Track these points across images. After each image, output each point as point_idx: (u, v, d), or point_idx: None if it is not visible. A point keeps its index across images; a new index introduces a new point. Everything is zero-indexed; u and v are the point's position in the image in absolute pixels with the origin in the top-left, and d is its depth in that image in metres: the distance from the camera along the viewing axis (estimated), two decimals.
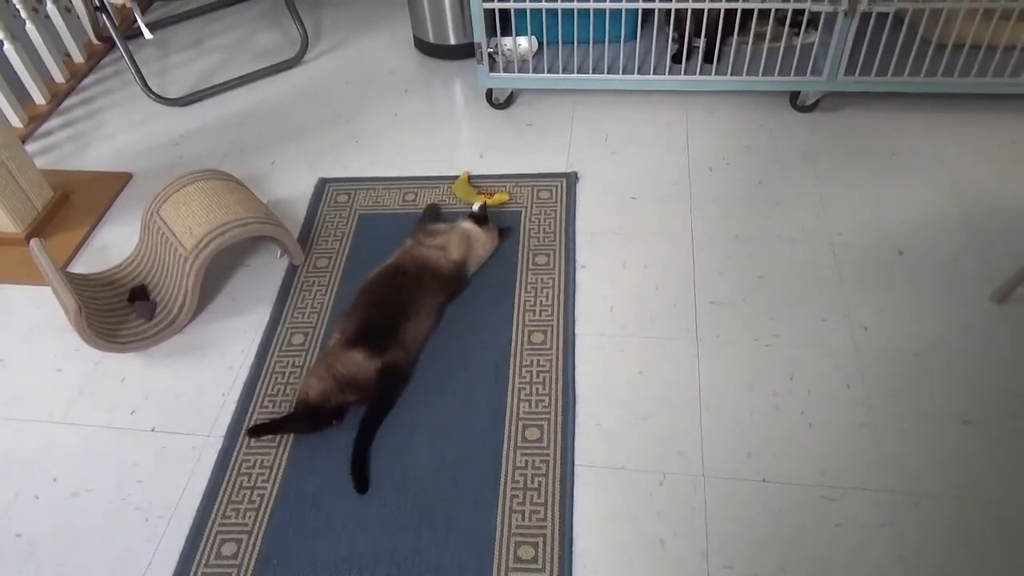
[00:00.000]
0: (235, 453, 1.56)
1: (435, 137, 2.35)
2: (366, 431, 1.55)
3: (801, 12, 2.14)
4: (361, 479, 1.49)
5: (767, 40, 2.24)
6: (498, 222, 1.96)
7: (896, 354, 1.65)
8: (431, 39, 2.64)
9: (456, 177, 2.14)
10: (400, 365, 1.63)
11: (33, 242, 1.77)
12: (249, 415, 1.62)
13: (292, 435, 1.58)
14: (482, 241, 1.87)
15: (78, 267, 2.01)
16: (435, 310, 1.75)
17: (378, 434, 1.57)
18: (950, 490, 1.42)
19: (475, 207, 1.94)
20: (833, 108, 2.29)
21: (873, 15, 2.04)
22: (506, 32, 2.29)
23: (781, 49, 2.20)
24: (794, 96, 2.29)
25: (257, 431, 1.58)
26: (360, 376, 1.57)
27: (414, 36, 2.72)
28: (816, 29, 2.26)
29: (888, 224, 1.93)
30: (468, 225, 1.87)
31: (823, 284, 1.80)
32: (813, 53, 2.21)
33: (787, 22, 2.16)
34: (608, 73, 2.27)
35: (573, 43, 2.26)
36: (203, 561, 1.40)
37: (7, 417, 1.68)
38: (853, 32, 2.05)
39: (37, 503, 1.52)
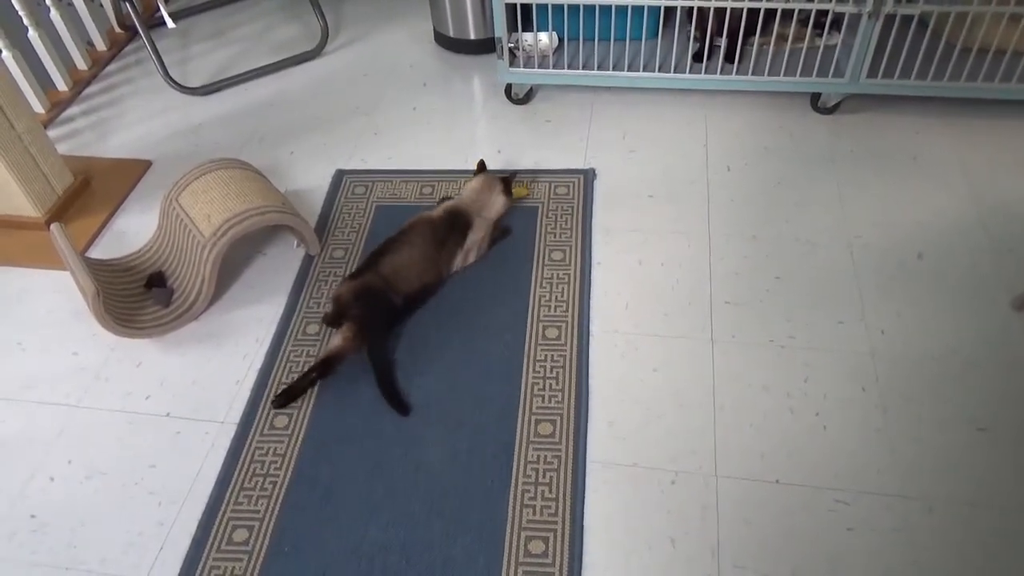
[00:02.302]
0: (248, 440, 1.57)
1: (453, 131, 2.35)
2: (375, 364, 1.63)
3: (824, 13, 2.13)
4: (398, 403, 1.59)
5: (789, 41, 2.22)
6: (511, 220, 1.96)
7: (913, 359, 1.64)
8: (451, 33, 2.64)
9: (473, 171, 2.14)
10: (372, 286, 1.70)
11: (53, 226, 1.78)
12: (263, 403, 1.63)
13: (305, 424, 1.59)
14: (475, 188, 1.92)
15: (97, 252, 2.02)
16: (422, 250, 1.78)
17: (389, 427, 1.57)
18: (964, 496, 1.41)
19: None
20: (854, 110, 2.27)
21: (897, 18, 2.02)
22: (527, 27, 2.28)
23: (803, 50, 2.19)
24: (815, 98, 2.28)
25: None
26: (343, 294, 1.72)
27: (434, 30, 2.72)
28: (839, 30, 2.24)
29: (907, 228, 1.92)
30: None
31: (840, 287, 1.79)
32: (836, 55, 2.20)
33: (810, 23, 2.15)
34: (628, 71, 2.26)
35: (594, 40, 2.25)
36: (215, 547, 1.41)
37: (24, 399, 1.69)
38: (877, 34, 2.03)
39: (52, 485, 1.54)
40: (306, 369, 1.65)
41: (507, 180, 1.94)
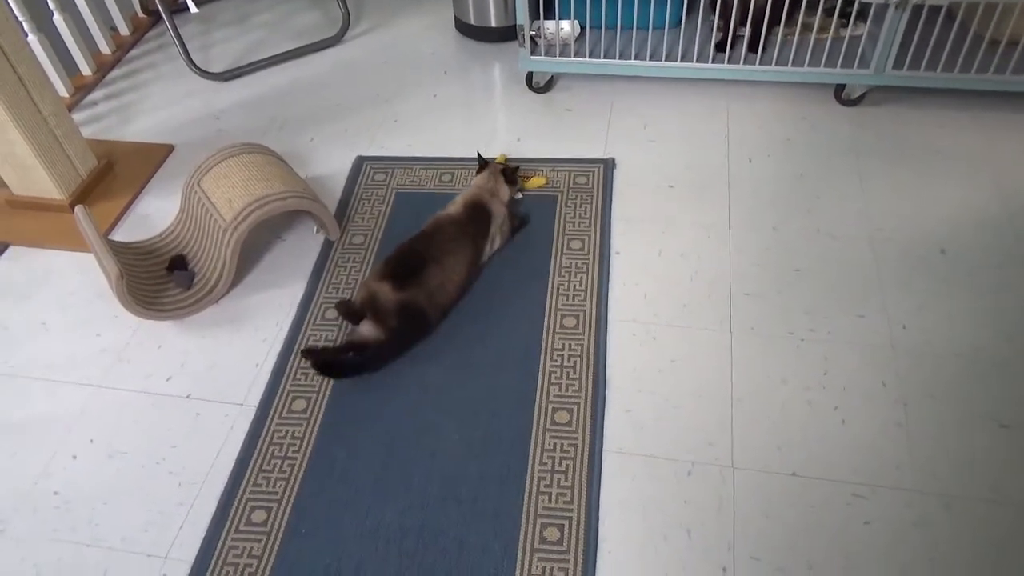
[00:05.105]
0: (267, 423, 1.58)
1: (473, 119, 2.35)
2: (367, 360, 1.65)
3: (850, 3, 2.10)
4: (327, 367, 1.63)
5: (814, 31, 2.20)
6: (523, 209, 1.95)
7: (934, 354, 1.62)
8: (472, 21, 2.63)
9: (493, 159, 2.14)
10: (421, 306, 1.67)
11: (78, 209, 1.80)
12: (282, 386, 1.64)
13: (322, 408, 1.60)
14: (484, 177, 1.93)
15: (119, 235, 2.04)
16: (463, 257, 1.77)
17: (405, 413, 1.58)
18: (983, 493, 1.40)
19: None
20: (879, 103, 2.25)
21: (925, 8, 2.00)
22: (549, 15, 2.27)
23: (828, 41, 2.17)
24: (839, 89, 2.25)
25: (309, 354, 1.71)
26: (381, 300, 1.66)
27: (455, 18, 2.71)
28: (865, 21, 2.21)
29: (930, 223, 1.90)
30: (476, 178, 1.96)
31: (861, 280, 1.77)
32: (861, 46, 2.17)
33: (836, 13, 2.12)
34: (650, 60, 2.24)
35: (616, 28, 2.24)
36: (233, 527, 1.43)
37: (48, 379, 1.71)
38: (903, 25, 2.01)
39: (74, 463, 1.56)
40: (339, 346, 1.70)
41: (506, 171, 1.94)
